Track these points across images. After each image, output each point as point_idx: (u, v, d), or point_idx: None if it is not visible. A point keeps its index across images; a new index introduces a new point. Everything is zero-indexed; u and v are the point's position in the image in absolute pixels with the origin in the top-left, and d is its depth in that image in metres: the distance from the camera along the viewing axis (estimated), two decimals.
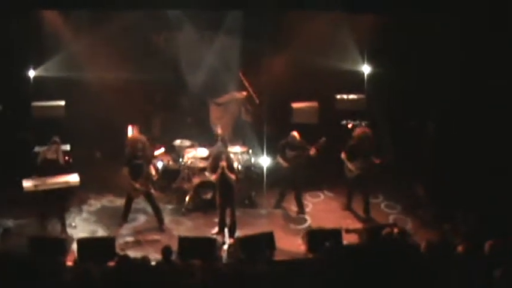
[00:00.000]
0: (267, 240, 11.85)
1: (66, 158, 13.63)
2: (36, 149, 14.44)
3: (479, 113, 13.89)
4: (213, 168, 13.20)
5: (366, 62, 16.31)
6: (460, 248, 9.87)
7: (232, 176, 12.98)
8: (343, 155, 13.96)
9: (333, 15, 15.08)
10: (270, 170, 14.95)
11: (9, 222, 13.58)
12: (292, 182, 14.28)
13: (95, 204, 14.71)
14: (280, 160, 14.11)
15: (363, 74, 16.37)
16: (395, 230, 10.59)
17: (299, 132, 14.06)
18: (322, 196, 15.29)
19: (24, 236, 12.09)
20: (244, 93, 16.68)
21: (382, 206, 14.72)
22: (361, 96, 16.63)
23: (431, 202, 14.07)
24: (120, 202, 14.22)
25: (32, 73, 15.75)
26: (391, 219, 14.04)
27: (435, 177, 14.31)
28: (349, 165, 13.88)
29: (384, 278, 8.97)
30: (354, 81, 16.44)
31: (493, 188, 12.91)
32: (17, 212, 13.83)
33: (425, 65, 14.82)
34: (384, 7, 13.63)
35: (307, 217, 14.19)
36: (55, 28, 15.46)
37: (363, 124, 15.56)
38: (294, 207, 14.43)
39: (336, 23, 15.52)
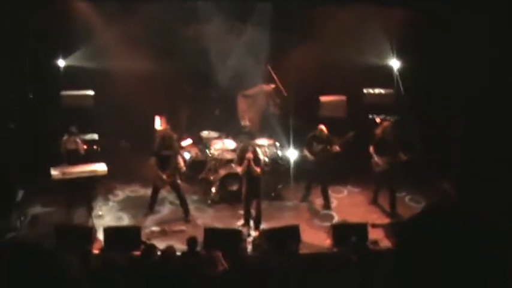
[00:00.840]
0: (292, 233, 11.85)
1: (94, 147, 13.71)
2: (65, 138, 14.57)
3: (507, 109, 13.72)
4: (240, 161, 13.21)
5: (395, 57, 16.17)
6: None
7: (258, 169, 12.97)
8: (371, 149, 13.89)
9: (362, 8, 14.99)
10: (297, 163, 14.91)
11: (38, 210, 13.72)
12: (318, 175, 14.24)
13: (121, 193, 14.82)
14: (307, 153, 14.07)
15: (392, 68, 16.23)
16: None
17: (326, 126, 14.02)
18: (347, 190, 15.26)
19: (51, 224, 12.20)
20: (273, 85, 16.64)
21: (407, 200, 14.66)
22: (390, 90, 16.50)
23: (458, 198, 13.94)
24: (146, 192, 14.31)
25: (61, 62, 15.84)
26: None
27: (462, 173, 14.17)
28: (377, 160, 13.81)
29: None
30: (383, 76, 16.31)
31: None
32: (45, 200, 13.98)
33: (454, 61, 14.68)
34: (414, 1, 13.54)
35: (332, 211, 14.15)
36: (85, 18, 15.54)
37: (391, 119, 15.49)
38: (320, 201, 14.39)
39: (365, 17, 15.45)
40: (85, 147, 13.82)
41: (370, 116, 16.22)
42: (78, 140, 13.64)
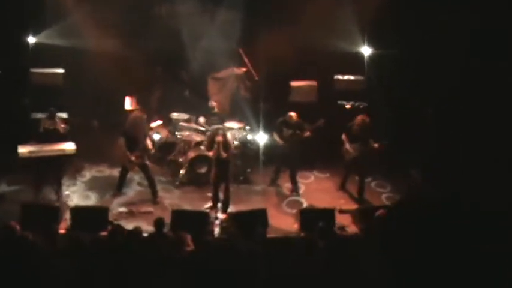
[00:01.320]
0: (260, 217, 11.88)
1: (63, 126, 13.60)
2: (33, 115, 14.46)
3: (480, 99, 13.84)
4: (210, 144, 13.21)
5: (366, 43, 16.21)
6: None
7: (227, 153, 12.98)
8: (343, 137, 13.95)
9: None
10: (266, 147, 14.91)
11: (4, 188, 13.62)
12: (287, 160, 14.29)
13: (89, 173, 14.77)
14: (277, 138, 14.10)
15: (363, 55, 16.27)
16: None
17: (297, 111, 14.04)
18: (315, 176, 15.33)
19: (17, 203, 12.12)
20: (244, 69, 16.64)
21: (373, 185, 14.78)
22: (360, 77, 16.57)
23: (426, 187, 14.07)
24: (115, 172, 14.28)
25: (31, 40, 15.66)
26: (383, 198, 14.08)
27: (432, 163, 14.29)
28: (348, 147, 13.86)
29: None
30: (354, 62, 16.36)
31: (490, 178, 12.90)
32: (12, 178, 13.88)
33: (427, 49, 14.79)
34: None
35: (300, 196, 14.21)
36: None
37: (360, 106, 15.58)
38: (288, 186, 14.45)
39: (338, 2, 15.45)
40: (63, 126, 13.68)
41: (340, 102, 16.30)
42: (57, 119, 13.51)
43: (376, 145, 13.62)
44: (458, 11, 14.08)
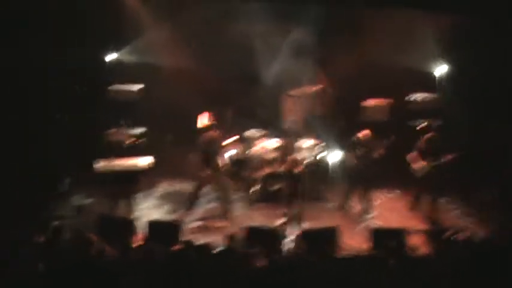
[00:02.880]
0: (330, 235, 11.87)
1: (140, 140, 13.90)
2: (110, 131, 14.84)
3: None
4: (283, 161, 13.30)
5: (442, 62, 16.06)
6: None
7: (300, 170, 13.04)
8: (412, 155, 13.85)
9: (411, 12, 14.94)
10: (340, 165, 14.92)
11: (82, 200, 13.99)
12: (360, 179, 14.23)
13: (164, 188, 15.00)
14: (350, 157, 14.06)
15: (439, 73, 16.13)
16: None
17: (371, 130, 14.01)
18: (388, 195, 15.25)
19: (95, 214, 12.43)
20: (319, 86, 16.67)
21: (447, 205, 14.60)
22: (435, 95, 16.42)
23: (503, 207, 13.84)
24: (189, 187, 14.43)
25: (111, 56, 16.07)
26: (459, 222, 13.86)
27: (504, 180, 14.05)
28: (418, 165, 13.75)
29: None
30: (430, 80, 16.24)
31: None
32: (91, 190, 14.27)
33: (502, 67, 14.59)
34: (461, 7, 13.47)
35: (372, 215, 14.14)
36: (136, 13, 15.74)
37: (432, 125, 15.45)
38: (360, 205, 14.38)
39: (413, 21, 15.36)
40: (132, 140, 13.97)
41: (414, 123, 16.17)
42: (124, 132, 13.84)
43: (447, 158, 13.45)
44: None
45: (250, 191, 14.53)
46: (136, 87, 16.22)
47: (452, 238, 10.52)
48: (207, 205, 14.23)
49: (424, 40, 15.63)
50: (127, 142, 13.73)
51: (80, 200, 14.03)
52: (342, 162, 14.75)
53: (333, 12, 15.52)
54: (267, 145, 15.33)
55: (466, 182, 14.80)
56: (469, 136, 15.19)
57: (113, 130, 13.95)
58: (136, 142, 13.96)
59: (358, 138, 13.98)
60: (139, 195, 14.25)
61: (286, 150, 13.57)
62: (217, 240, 11.69)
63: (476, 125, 15.47)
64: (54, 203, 13.28)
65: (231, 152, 15.55)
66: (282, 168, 13.38)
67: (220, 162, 13.69)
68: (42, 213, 12.76)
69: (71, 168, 14.14)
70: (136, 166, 13.39)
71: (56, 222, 12.33)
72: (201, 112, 15.91)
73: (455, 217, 14.16)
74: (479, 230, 13.26)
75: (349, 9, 15.05)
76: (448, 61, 16.07)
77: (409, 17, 15.23)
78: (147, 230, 11.68)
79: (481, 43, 14.93)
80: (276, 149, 15.12)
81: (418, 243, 12.15)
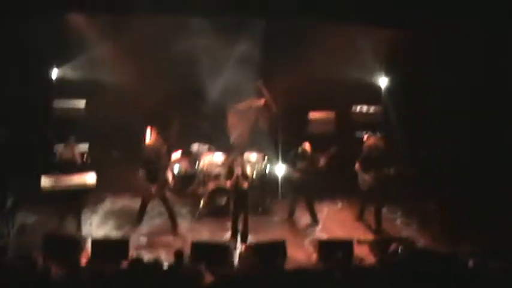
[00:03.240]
0: (279, 248, 11.96)
1: (84, 156, 13.80)
2: (56, 147, 14.67)
3: (495, 126, 13.92)
4: (229, 175, 13.36)
5: (383, 74, 16.34)
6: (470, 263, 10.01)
7: (246, 184, 13.12)
8: (357, 166, 14.05)
9: (352, 27, 15.17)
10: (285, 178, 15.03)
11: (27, 218, 13.82)
12: (303, 192, 14.35)
13: (110, 204, 14.92)
14: (292, 170, 14.18)
15: (380, 85, 16.40)
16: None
17: (311, 143, 14.14)
18: (333, 207, 15.40)
19: (39, 233, 12.29)
20: (262, 100, 16.77)
21: (398, 221, 14.77)
22: (378, 107, 16.69)
23: (444, 219, 14.11)
24: (135, 203, 14.37)
25: (55, 72, 15.95)
26: (404, 234, 14.04)
27: (450, 194, 14.32)
28: (363, 176, 13.95)
29: None
30: (372, 93, 16.49)
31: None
32: (35, 208, 14.09)
33: (442, 78, 14.92)
34: (402, 21, 13.74)
35: (319, 227, 14.28)
36: (79, 30, 15.65)
37: (377, 135, 15.70)
38: (306, 217, 14.50)
39: (354, 35, 15.59)
40: (85, 157, 13.88)
41: (359, 134, 16.40)
42: (75, 149, 13.73)
43: (391, 172, 13.67)
44: (477, 40, 14.21)
45: (200, 205, 14.51)
46: (81, 102, 16.10)
47: (397, 249, 10.71)
48: (153, 221, 14.18)
49: (366, 54, 15.88)
50: (78, 158, 13.59)
51: (24, 218, 13.82)
52: (286, 176, 14.82)
53: (275, 27, 15.65)
54: (213, 160, 15.37)
55: (408, 193, 15.04)
56: (410, 148, 15.46)
57: (63, 146, 13.76)
58: (85, 159, 13.86)
59: (298, 151, 14.09)
60: (86, 212, 14.11)
61: (231, 165, 13.59)
62: (165, 257, 11.70)
63: (416, 137, 15.78)
64: None
65: (177, 167, 15.56)
66: (228, 183, 13.40)
67: (167, 177, 13.65)
68: None
69: (14, 186, 13.92)
70: (84, 183, 13.27)
71: (0, 242, 12.22)
72: (145, 127, 15.90)
73: (398, 227, 14.36)
74: (420, 239, 13.53)
75: (292, 23, 15.15)
76: (390, 74, 16.30)
77: (351, 31, 15.44)
78: (94, 248, 11.61)
79: (423, 56, 15.24)
80: (222, 163, 15.17)
81: (364, 253, 12.37)
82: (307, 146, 14.04)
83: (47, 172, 13.29)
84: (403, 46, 15.16)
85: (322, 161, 13.92)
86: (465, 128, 14.75)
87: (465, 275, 9.67)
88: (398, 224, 14.60)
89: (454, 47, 14.67)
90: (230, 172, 13.36)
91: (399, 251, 10.64)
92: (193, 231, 13.88)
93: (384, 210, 14.46)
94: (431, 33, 14.70)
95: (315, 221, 14.37)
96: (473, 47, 14.31)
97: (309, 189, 14.30)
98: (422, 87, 15.47)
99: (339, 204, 15.46)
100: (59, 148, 14.18)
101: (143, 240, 13.28)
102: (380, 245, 12.23)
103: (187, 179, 15.61)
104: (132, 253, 11.72)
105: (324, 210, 15.05)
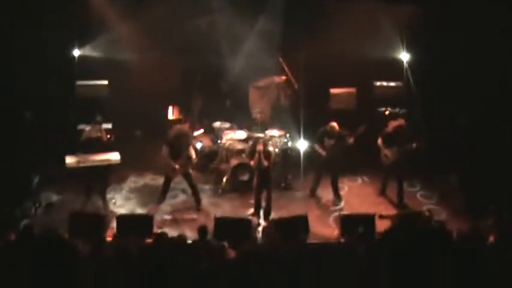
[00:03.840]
0: (301, 223, 12.04)
1: (108, 136, 13.94)
2: (80, 126, 14.82)
3: None
4: (251, 153, 13.44)
5: (405, 50, 16.26)
6: (491, 239, 10.01)
7: (268, 162, 13.18)
8: (379, 142, 14.07)
9: (373, 3, 15.11)
10: (307, 154, 15.08)
11: (53, 197, 14.02)
12: (329, 169, 14.39)
13: (134, 182, 15.09)
14: (318, 148, 14.20)
15: (402, 61, 16.33)
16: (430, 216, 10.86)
17: (336, 119, 14.16)
18: (357, 181, 15.46)
19: (65, 211, 12.48)
20: (284, 77, 16.79)
21: (418, 195, 14.79)
22: (399, 83, 16.62)
23: (464, 192, 14.10)
24: (159, 181, 14.54)
25: (76, 52, 16.06)
26: (425, 208, 14.10)
27: (469, 168, 14.30)
28: (386, 152, 13.98)
29: (416, 265, 9.20)
30: (393, 69, 16.42)
31: None
32: (60, 187, 14.30)
33: (464, 54, 14.82)
34: None
35: (341, 202, 14.34)
36: (100, 9, 15.74)
37: (400, 112, 15.68)
38: (329, 192, 14.54)
39: (376, 11, 15.53)
40: (108, 136, 14.01)
41: (379, 109, 16.40)
42: (102, 128, 13.86)
43: (413, 146, 13.70)
44: (497, 16, 14.09)
45: (223, 182, 14.63)
46: (104, 82, 16.23)
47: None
48: (177, 198, 14.32)
49: (387, 29, 15.79)
50: (104, 137, 13.73)
51: (50, 197, 14.03)
52: (310, 152, 14.86)
53: (296, 3, 15.64)
54: (235, 136, 15.45)
55: (429, 168, 15.05)
56: (430, 124, 15.44)
57: (90, 126, 13.89)
58: (111, 137, 14.01)
59: (326, 129, 14.08)
60: (110, 190, 14.29)
61: (254, 142, 13.66)
62: (189, 232, 11.83)
63: (438, 111, 15.74)
64: (23, 201, 13.24)
65: (200, 144, 15.67)
66: (250, 160, 13.48)
67: (190, 154, 13.74)
68: (13, 211, 12.74)
69: (39, 165, 14.10)
70: (108, 161, 13.43)
71: (26, 220, 12.40)
72: (167, 106, 16.04)
73: (419, 201, 14.41)
74: (441, 213, 13.61)
75: None
76: (411, 50, 16.22)
77: (372, 7, 15.37)
78: (118, 224, 11.77)
79: (442, 32, 15.16)
80: (244, 140, 15.25)
81: (386, 228, 12.40)
82: (334, 125, 14.01)
83: (72, 151, 13.45)
84: (424, 20, 15.09)
85: (350, 140, 13.91)
86: (486, 100, 14.64)
87: (485, 251, 9.70)
88: (419, 199, 14.61)
89: (474, 20, 14.52)
90: (252, 149, 13.44)
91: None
92: (217, 207, 14.01)
93: (405, 184, 14.48)
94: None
95: (337, 197, 14.42)
96: (494, 20, 14.15)
97: (334, 166, 14.34)
98: (443, 62, 15.35)
99: (359, 180, 15.49)
100: (84, 127, 14.30)
101: (167, 216, 13.41)
102: (402, 219, 12.27)
103: (210, 156, 15.74)
104: (157, 229, 11.86)
105: (346, 186, 15.10)
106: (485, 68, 14.32)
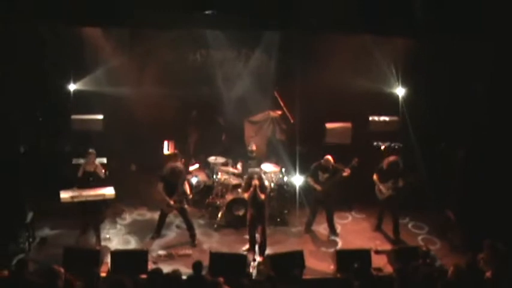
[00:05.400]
0: (297, 258, 12.00)
1: (102, 170, 13.91)
2: (74, 161, 14.79)
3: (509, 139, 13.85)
4: (246, 187, 13.40)
5: (399, 84, 16.30)
6: (488, 274, 9.98)
7: (263, 196, 13.13)
8: (375, 177, 14.07)
9: (367, 37, 15.18)
10: (303, 189, 15.05)
11: (46, 232, 13.93)
12: (324, 203, 14.37)
13: (129, 217, 15.00)
14: (313, 183, 14.19)
15: (397, 96, 16.37)
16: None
17: (332, 154, 14.16)
18: (352, 217, 15.42)
19: (59, 246, 12.39)
20: (279, 112, 16.83)
21: (410, 226, 14.83)
22: (394, 118, 16.65)
23: (461, 226, 14.07)
24: (154, 215, 14.50)
25: (72, 87, 16.07)
26: (419, 239, 14.12)
27: (465, 202, 14.28)
28: (381, 187, 13.98)
29: None
30: (388, 103, 16.47)
31: None
32: (54, 222, 14.20)
33: (458, 89, 14.88)
34: (415, 31, 13.69)
35: (337, 237, 14.29)
36: (96, 44, 15.79)
37: (395, 146, 15.69)
38: (324, 227, 14.52)
39: (370, 44, 15.59)
40: (102, 170, 13.98)
41: (375, 143, 16.40)
42: (97, 162, 13.83)
43: (406, 182, 13.71)
44: (487, 52, 14.15)
45: (217, 216, 14.58)
46: (99, 116, 16.21)
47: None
48: (172, 233, 14.25)
49: (382, 64, 15.86)
50: (100, 171, 13.69)
51: (44, 231, 13.95)
52: (305, 187, 14.84)
53: (290, 38, 15.72)
54: (230, 171, 15.43)
55: (424, 202, 15.04)
56: (425, 158, 15.46)
57: (84, 160, 13.85)
58: (105, 172, 13.98)
59: (321, 163, 14.09)
60: (105, 225, 14.22)
61: (249, 176, 13.65)
62: (184, 268, 11.75)
63: (433, 146, 15.77)
64: (18, 235, 13.16)
65: (196, 179, 15.65)
66: (245, 195, 13.44)
67: (185, 189, 13.72)
68: (6, 246, 12.67)
69: (34, 200, 14.04)
70: (103, 196, 13.37)
71: (21, 255, 12.33)
72: (163, 140, 16.04)
73: (415, 235, 14.37)
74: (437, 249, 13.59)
75: (306, 34, 15.18)
76: (407, 84, 16.27)
77: (367, 41, 15.44)
78: (113, 260, 11.69)
79: (436, 66, 15.22)
80: (240, 175, 15.23)
81: (382, 263, 12.38)
82: (329, 158, 14.02)
83: (67, 186, 13.40)
84: (419, 55, 15.16)
85: (345, 173, 13.91)
86: (481, 136, 14.67)
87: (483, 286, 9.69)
88: (413, 232, 14.61)
89: (464, 54, 14.58)
90: (248, 184, 13.40)
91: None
92: (212, 242, 13.93)
93: (403, 221, 14.46)
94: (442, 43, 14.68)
95: (333, 231, 14.38)
96: (482, 53, 14.21)
97: (330, 200, 14.32)
98: (438, 98, 15.40)
99: (353, 214, 15.48)
100: (78, 162, 14.27)
101: (162, 252, 13.32)
102: (397, 254, 12.26)
103: (205, 191, 15.70)
104: (151, 265, 11.79)
105: (343, 220, 15.07)
106: (481, 102, 14.35)
